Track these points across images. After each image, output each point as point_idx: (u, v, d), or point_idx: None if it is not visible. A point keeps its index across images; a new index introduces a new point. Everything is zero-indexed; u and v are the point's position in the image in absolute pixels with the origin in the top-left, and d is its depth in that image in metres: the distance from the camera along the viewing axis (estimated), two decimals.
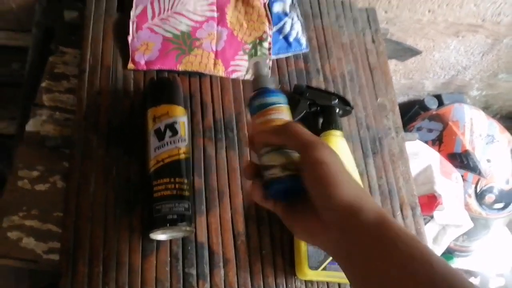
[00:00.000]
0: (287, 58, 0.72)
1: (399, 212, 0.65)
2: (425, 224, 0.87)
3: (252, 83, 0.48)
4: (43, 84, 0.66)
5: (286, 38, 0.73)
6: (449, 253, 1.15)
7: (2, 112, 0.77)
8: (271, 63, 0.70)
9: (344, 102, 0.67)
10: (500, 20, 1.00)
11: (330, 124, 0.63)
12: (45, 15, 0.74)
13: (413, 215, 0.65)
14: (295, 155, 0.40)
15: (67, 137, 0.60)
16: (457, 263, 1.17)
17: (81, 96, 0.61)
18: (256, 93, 0.46)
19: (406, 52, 0.92)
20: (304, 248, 0.56)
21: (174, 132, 0.56)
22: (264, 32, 0.72)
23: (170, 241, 0.55)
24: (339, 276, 0.56)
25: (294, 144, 0.38)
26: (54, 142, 0.60)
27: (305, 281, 0.57)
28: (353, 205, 0.34)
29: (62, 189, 0.58)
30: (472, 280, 1.23)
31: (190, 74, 0.67)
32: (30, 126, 0.62)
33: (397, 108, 0.73)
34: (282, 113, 0.44)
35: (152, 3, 0.69)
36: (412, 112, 1.26)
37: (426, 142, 1.03)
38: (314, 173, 0.36)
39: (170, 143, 0.55)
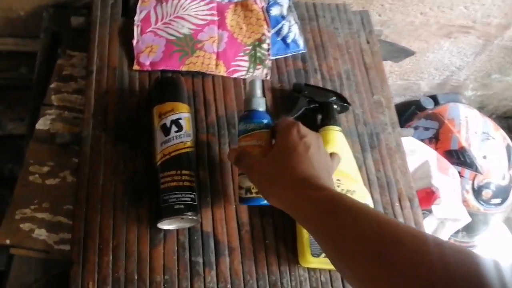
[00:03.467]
0: (285, 58, 0.75)
1: (397, 204, 0.67)
2: (424, 218, 0.89)
3: (244, 102, 0.58)
4: (52, 85, 0.69)
5: (284, 39, 0.77)
6: None
7: (11, 113, 0.80)
8: (270, 63, 0.73)
9: (341, 99, 0.70)
10: (490, 21, 1.04)
11: (329, 120, 0.66)
12: (52, 21, 0.78)
13: (411, 206, 0.67)
14: None
15: (76, 134, 0.63)
16: None
17: (89, 95, 0.64)
18: (244, 115, 0.56)
19: (400, 53, 0.95)
20: (306, 236, 0.58)
21: (179, 127, 0.58)
22: (263, 34, 0.75)
23: (177, 231, 0.57)
24: None
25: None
26: (64, 139, 0.63)
27: (308, 268, 0.59)
28: (298, 183, 0.45)
29: (72, 183, 0.61)
30: None
31: (193, 75, 0.70)
32: (40, 125, 0.65)
33: (392, 105, 0.76)
34: (261, 139, 0.54)
35: (155, 9, 0.72)
36: (408, 113, 1.29)
37: (423, 140, 1.05)
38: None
39: (176, 137, 0.57)
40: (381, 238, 0.36)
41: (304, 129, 0.50)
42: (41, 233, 0.57)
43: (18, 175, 0.61)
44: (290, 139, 0.48)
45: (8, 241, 0.56)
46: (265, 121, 0.55)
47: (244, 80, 0.71)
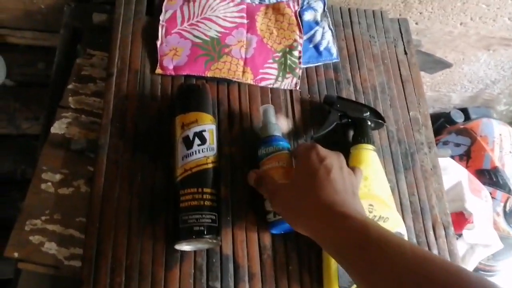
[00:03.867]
0: (317, 67, 0.70)
1: (431, 231, 0.62)
2: None
3: (260, 130, 0.59)
4: (70, 86, 0.65)
5: (316, 47, 0.72)
6: (475, 272, 1.11)
7: (27, 112, 0.77)
8: (301, 72, 0.68)
9: (376, 114, 0.65)
10: None
11: (362, 137, 0.61)
12: (73, 16, 0.74)
13: (446, 235, 0.62)
14: None
15: (92, 141, 0.59)
16: None
17: (108, 99, 0.60)
18: (262, 141, 0.57)
19: (436, 64, 0.90)
20: (334, 266, 0.53)
21: (203, 140, 0.54)
22: (295, 40, 0.70)
23: (195, 252, 0.53)
24: None
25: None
26: (79, 145, 0.59)
27: None
28: (322, 210, 0.43)
29: (86, 194, 0.57)
30: None
31: (218, 81, 0.65)
32: (55, 128, 0.61)
33: (429, 123, 0.71)
34: (283, 160, 0.55)
35: (181, 8, 0.68)
36: (437, 125, 1.23)
37: (453, 157, 1.00)
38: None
39: (199, 151, 0.53)
40: (415, 277, 0.34)
41: (323, 151, 0.48)
42: (51, 247, 0.54)
43: (30, 177, 0.58)
44: (309, 164, 0.47)
45: (16, 254, 0.52)
46: (283, 144, 0.57)
47: (271, 89, 0.66)
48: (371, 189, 0.57)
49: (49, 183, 0.58)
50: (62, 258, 0.53)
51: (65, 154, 0.59)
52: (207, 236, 0.49)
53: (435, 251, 0.61)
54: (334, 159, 0.47)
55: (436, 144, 1.13)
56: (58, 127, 0.61)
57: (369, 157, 0.60)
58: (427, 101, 1.24)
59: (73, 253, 0.54)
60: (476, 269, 1.10)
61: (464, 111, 1.22)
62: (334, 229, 0.41)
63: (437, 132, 1.20)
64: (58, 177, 0.58)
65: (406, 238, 0.57)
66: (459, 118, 1.19)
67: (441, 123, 1.22)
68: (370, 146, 0.60)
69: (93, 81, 0.66)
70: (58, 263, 0.53)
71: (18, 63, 0.81)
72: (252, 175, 0.54)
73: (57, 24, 0.75)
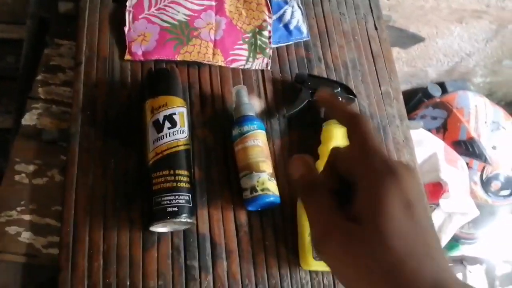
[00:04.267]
0: (287, 47, 0.71)
1: None
2: (431, 212, 0.86)
3: (234, 111, 0.60)
4: (39, 77, 0.64)
5: (286, 26, 0.72)
6: (455, 240, 1.14)
7: None
8: (271, 52, 0.69)
9: (347, 90, 0.66)
10: (505, 5, 0.98)
11: None
12: (39, 6, 0.73)
13: None
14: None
15: (64, 130, 0.59)
16: (462, 251, 1.16)
17: (77, 88, 0.60)
18: (235, 121, 0.58)
19: (409, 39, 0.91)
20: (308, 238, 0.55)
21: (173, 123, 0.55)
22: (264, 20, 0.70)
23: (172, 233, 0.54)
24: None
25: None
26: (51, 135, 0.59)
27: (310, 271, 0.56)
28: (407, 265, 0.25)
29: (60, 183, 0.57)
30: (478, 267, 1.22)
31: (188, 64, 0.65)
32: (26, 120, 0.61)
33: (401, 96, 0.72)
34: (258, 138, 0.57)
35: None
36: (415, 100, 1.25)
37: (430, 130, 1.01)
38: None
39: (169, 135, 0.54)
40: None
41: (406, 182, 0.27)
42: (28, 237, 0.54)
43: (4, 170, 0.58)
44: (395, 214, 0.26)
45: None
46: (257, 123, 0.58)
47: (243, 70, 0.67)
48: None
49: (23, 174, 0.58)
50: (39, 246, 0.54)
51: (37, 145, 0.59)
52: (181, 216, 0.50)
53: None
54: (420, 197, 0.28)
55: (414, 119, 1.15)
56: (29, 119, 0.61)
57: (340, 132, 0.61)
58: (404, 77, 1.26)
59: (51, 241, 0.54)
60: (457, 238, 1.13)
61: (441, 85, 1.23)
62: None
63: (415, 107, 1.22)
64: (31, 168, 0.58)
65: None
66: (436, 92, 1.20)
67: (419, 98, 1.23)
68: None
69: (62, 70, 0.66)
70: (36, 252, 0.53)
71: None
72: (297, 165, 0.32)
73: (24, 15, 0.74)
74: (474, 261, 1.25)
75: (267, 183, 0.55)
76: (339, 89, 0.65)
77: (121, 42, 0.64)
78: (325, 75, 0.70)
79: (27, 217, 0.55)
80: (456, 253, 1.16)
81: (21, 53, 0.70)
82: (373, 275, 0.26)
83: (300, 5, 0.74)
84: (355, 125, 0.30)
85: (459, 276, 1.18)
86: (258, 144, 0.57)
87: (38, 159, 0.59)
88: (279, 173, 0.60)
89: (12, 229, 0.54)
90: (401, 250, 0.26)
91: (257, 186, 0.54)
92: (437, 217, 0.86)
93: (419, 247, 0.26)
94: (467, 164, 0.96)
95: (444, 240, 0.88)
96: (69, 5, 0.69)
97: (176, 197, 0.51)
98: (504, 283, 1.27)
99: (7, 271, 0.53)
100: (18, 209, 0.55)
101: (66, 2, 0.69)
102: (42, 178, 0.58)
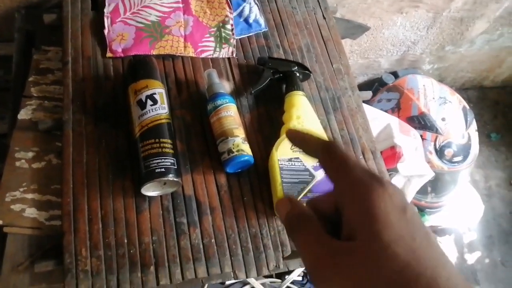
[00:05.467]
0: (249, 38, 0.81)
1: (361, 156, 0.73)
2: (391, 178, 0.96)
3: (207, 90, 0.69)
4: (30, 79, 0.72)
5: (246, 20, 0.82)
6: (421, 210, 1.24)
7: None
8: (235, 42, 0.79)
9: (303, 67, 0.76)
10: None
11: (292, 86, 0.72)
12: (25, 21, 0.81)
13: (374, 158, 0.74)
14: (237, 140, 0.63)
15: (57, 120, 0.67)
16: (429, 221, 1.26)
17: (67, 83, 0.68)
18: (209, 98, 0.67)
19: (356, 29, 1.03)
20: (279, 187, 0.63)
21: (154, 101, 0.63)
22: (226, 16, 0.80)
23: (161, 197, 0.62)
24: None
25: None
26: (46, 124, 0.66)
27: None
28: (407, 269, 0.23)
29: (57, 166, 0.65)
30: (447, 238, 1.32)
31: (163, 57, 0.74)
32: (22, 115, 0.68)
33: (351, 71, 0.83)
34: (230, 110, 0.65)
35: (122, 1, 0.77)
36: (372, 90, 1.37)
37: (386, 111, 1.13)
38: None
39: (152, 110, 0.62)
40: None
41: (392, 188, 0.26)
42: (32, 212, 0.60)
43: (1, 170, 0.65)
44: (391, 219, 0.25)
45: (0, 222, 0.59)
46: (228, 97, 0.67)
47: (212, 59, 0.76)
48: (304, 125, 0.68)
49: (23, 160, 0.65)
50: (43, 220, 0.60)
51: (34, 135, 0.67)
52: (168, 176, 0.58)
53: None
54: (412, 206, 0.30)
55: (371, 105, 1.27)
56: (24, 114, 0.69)
57: (300, 100, 0.71)
58: (360, 69, 1.38)
59: (53, 215, 0.61)
60: (422, 207, 1.23)
61: (394, 74, 1.36)
62: None
63: (373, 95, 1.34)
64: (30, 154, 0.65)
65: None
66: (390, 80, 1.33)
67: (376, 87, 1.36)
68: (300, 92, 0.71)
69: (51, 72, 0.74)
70: (40, 224, 0.60)
71: None
72: (284, 206, 0.30)
73: (10, 33, 0.82)
74: (443, 232, 1.35)
75: (241, 145, 0.64)
76: (296, 67, 0.75)
77: (102, 42, 0.73)
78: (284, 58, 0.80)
79: (29, 195, 0.62)
80: (425, 223, 1.25)
81: (11, 66, 0.77)
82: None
83: (256, 1, 0.85)
84: (329, 151, 0.29)
85: None
86: (231, 114, 0.66)
87: (36, 146, 0.66)
88: (251, 141, 0.68)
89: (16, 207, 0.61)
90: (406, 255, 0.24)
91: (233, 148, 0.63)
92: (397, 182, 0.96)
93: (424, 251, 0.24)
94: (421, 136, 1.07)
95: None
96: (53, 16, 0.78)
97: (163, 159, 0.59)
98: (471, 250, 1.37)
99: (15, 242, 0.59)
100: (21, 189, 0.62)
101: (50, 14, 0.78)
102: (41, 162, 0.65)
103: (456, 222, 1.30)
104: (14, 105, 0.73)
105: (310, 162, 0.65)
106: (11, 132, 0.68)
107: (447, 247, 1.35)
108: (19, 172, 0.63)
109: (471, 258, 1.37)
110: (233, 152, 0.63)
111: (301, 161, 0.65)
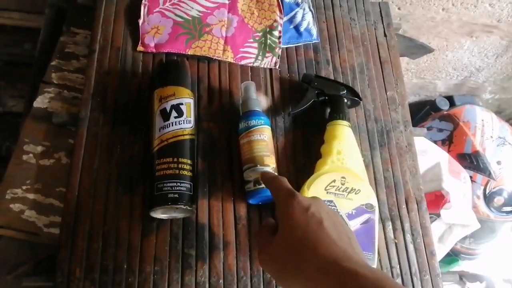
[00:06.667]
0: (297, 48, 0.72)
1: (404, 205, 0.64)
2: (432, 222, 0.85)
3: (241, 105, 0.61)
4: (53, 63, 0.66)
5: (296, 28, 0.73)
6: (455, 255, 1.13)
7: (12, 90, 0.78)
8: (281, 51, 0.70)
9: (352, 93, 0.67)
10: None
11: (338, 114, 0.63)
12: None
13: (418, 209, 0.64)
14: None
15: (73, 115, 0.60)
16: (462, 266, 1.15)
17: (89, 74, 0.62)
18: (242, 114, 0.60)
19: (418, 49, 0.91)
20: None
21: (180, 113, 0.56)
22: (275, 21, 0.71)
23: (171, 221, 0.55)
24: None
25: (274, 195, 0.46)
26: (60, 118, 0.60)
27: None
28: (326, 269, 0.36)
29: (67, 165, 0.59)
30: (477, 285, 1.21)
31: (199, 59, 0.67)
32: (38, 103, 0.63)
33: (406, 102, 0.72)
34: (264, 133, 0.58)
35: None
36: (423, 113, 1.25)
37: (435, 142, 1.01)
38: (289, 236, 0.40)
39: (175, 123, 0.55)
40: None
41: (304, 199, 0.42)
42: (31, 215, 0.55)
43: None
44: (294, 216, 0.41)
45: None
46: (264, 118, 0.59)
47: (251, 67, 0.68)
48: (344, 163, 0.59)
49: (31, 155, 0.59)
50: (41, 225, 0.55)
51: (47, 127, 0.61)
52: (181, 203, 0.51)
53: (407, 224, 0.62)
54: (318, 205, 0.42)
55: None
56: (40, 102, 0.63)
57: (344, 132, 0.61)
58: (413, 89, 1.26)
59: (53, 221, 0.55)
60: (457, 252, 1.12)
61: (450, 99, 1.23)
62: None
63: (422, 119, 1.22)
64: (39, 149, 0.60)
65: (377, 209, 0.59)
66: (444, 105, 1.20)
67: (427, 110, 1.23)
68: (345, 122, 0.62)
69: (76, 58, 0.68)
70: (37, 230, 0.55)
71: (4, 43, 0.83)
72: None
73: (44, 5, 0.76)
74: (474, 278, 1.24)
75: None
76: (345, 91, 0.65)
77: (134, 33, 0.66)
78: (332, 78, 0.70)
79: (31, 195, 0.56)
80: (455, 268, 1.15)
81: (38, 40, 0.72)
82: (286, 265, 0.39)
83: (311, 8, 0.75)
84: (275, 180, 0.47)
85: None
86: (264, 138, 0.58)
87: (47, 141, 0.60)
88: (281, 170, 0.60)
89: (16, 206, 0.55)
90: (301, 235, 0.39)
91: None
92: (437, 228, 0.85)
93: (314, 232, 0.39)
94: (471, 177, 0.96)
95: (443, 252, 0.87)
96: None
97: (178, 184, 0.52)
98: None
99: (8, 247, 0.54)
100: (24, 187, 0.57)
101: None
102: (49, 160, 0.59)
103: (491, 271, 1.19)
104: (32, 88, 0.67)
105: (344, 209, 0.57)
106: (24, 119, 0.63)
107: None
108: (25, 167, 0.58)
109: None
110: (260, 184, 0.55)
111: (334, 206, 0.57)
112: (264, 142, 0.57)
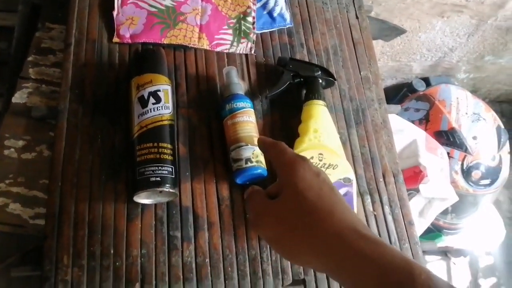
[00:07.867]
0: (271, 33, 0.73)
1: (381, 179, 0.66)
2: (411, 198, 0.88)
3: (224, 89, 0.63)
4: (30, 58, 0.67)
5: (270, 13, 0.75)
6: (438, 230, 1.16)
7: None
8: (255, 37, 0.71)
9: (327, 73, 0.68)
10: (484, 0, 1.02)
11: (313, 94, 0.65)
12: None
13: (395, 182, 0.66)
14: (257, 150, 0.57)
15: (53, 108, 0.61)
16: (445, 241, 1.18)
17: (66, 68, 0.62)
18: (225, 98, 0.61)
19: (391, 31, 0.93)
20: None
21: (158, 99, 0.57)
22: (248, 7, 0.73)
23: (155, 205, 0.56)
24: None
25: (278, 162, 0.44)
26: (40, 112, 0.61)
27: None
28: (344, 233, 0.35)
29: (48, 158, 0.59)
30: (461, 259, 1.24)
31: (175, 48, 0.68)
32: (16, 98, 0.63)
33: (380, 81, 0.75)
34: (251, 116, 0.59)
35: None
36: (400, 95, 1.28)
37: (413, 121, 1.04)
38: (295, 201, 0.39)
39: (154, 110, 0.56)
40: None
41: (313, 165, 0.42)
42: (15, 208, 0.56)
43: None
44: (307, 178, 0.39)
45: None
46: (249, 102, 0.61)
47: (227, 54, 0.69)
48: (321, 140, 0.61)
49: (12, 149, 0.59)
50: (27, 217, 0.56)
51: (27, 122, 0.61)
52: (163, 186, 0.52)
53: (385, 197, 0.65)
54: (325, 174, 0.41)
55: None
56: (19, 97, 0.63)
57: (319, 111, 0.63)
58: (389, 72, 1.29)
59: (38, 213, 0.56)
60: (440, 228, 1.15)
61: (426, 80, 1.26)
62: (370, 258, 0.33)
63: (400, 101, 1.25)
64: (20, 143, 0.60)
65: (355, 183, 0.61)
66: (420, 87, 1.23)
67: (404, 92, 1.26)
68: (320, 102, 0.64)
69: (52, 53, 0.68)
70: (23, 222, 0.55)
71: None
72: (247, 191, 0.47)
73: (16, 2, 0.76)
74: (458, 253, 1.27)
75: (260, 157, 0.57)
76: (319, 71, 0.67)
77: (109, 25, 0.67)
78: (306, 60, 0.72)
79: (15, 189, 0.57)
80: (440, 243, 1.18)
81: (13, 38, 0.72)
82: (296, 227, 0.37)
83: None
84: (273, 145, 0.45)
85: (444, 267, 1.20)
86: (251, 120, 0.60)
87: (27, 135, 0.61)
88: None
89: (0, 201, 0.56)
90: (313, 197, 0.38)
91: (252, 158, 0.57)
92: (417, 203, 0.88)
93: (328, 195, 0.38)
94: (448, 153, 0.99)
95: (424, 226, 0.90)
96: None
97: (159, 167, 0.53)
98: (486, 275, 1.29)
99: None
100: (6, 181, 0.57)
101: None
102: (31, 153, 0.60)
103: (474, 245, 1.22)
104: (10, 85, 0.67)
105: None
106: (2, 116, 0.63)
107: (461, 269, 1.27)
108: (6, 162, 0.58)
109: (486, 284, 1.29)
110: (251, 162, 0.56)
111: None
112: (252, 124, 0.59)
